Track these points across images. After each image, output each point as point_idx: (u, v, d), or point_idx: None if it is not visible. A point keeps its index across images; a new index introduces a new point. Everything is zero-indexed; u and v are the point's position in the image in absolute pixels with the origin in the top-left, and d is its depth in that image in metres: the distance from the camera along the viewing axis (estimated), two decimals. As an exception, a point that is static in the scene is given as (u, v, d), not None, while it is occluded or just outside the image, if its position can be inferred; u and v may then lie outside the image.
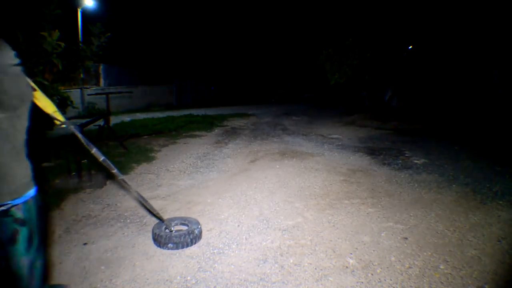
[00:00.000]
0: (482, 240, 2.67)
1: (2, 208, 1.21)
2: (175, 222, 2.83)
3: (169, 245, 2.51)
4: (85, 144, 1.94)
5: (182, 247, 2.52)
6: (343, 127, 9.27)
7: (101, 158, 2.03)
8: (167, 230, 2.62)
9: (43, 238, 1.37)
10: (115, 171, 2.15)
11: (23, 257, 1.26)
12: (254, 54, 22.88)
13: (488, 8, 10.48)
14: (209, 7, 21.02)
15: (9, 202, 1.22)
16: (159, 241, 2.55)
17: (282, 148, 6.25)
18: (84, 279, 2.19)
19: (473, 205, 3.42)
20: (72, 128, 1.85)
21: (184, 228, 2.75)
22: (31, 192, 1.31)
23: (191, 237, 2.58)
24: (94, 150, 1.98)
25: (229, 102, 19.90)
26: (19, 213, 1.25)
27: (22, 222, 1.25)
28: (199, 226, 2.71)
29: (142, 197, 2.44)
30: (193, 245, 2.58)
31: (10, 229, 1.24)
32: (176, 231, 2.65)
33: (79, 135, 1.89)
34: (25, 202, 1.27)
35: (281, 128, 9.03)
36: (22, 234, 1.25)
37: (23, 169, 1.28)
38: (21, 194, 1.25)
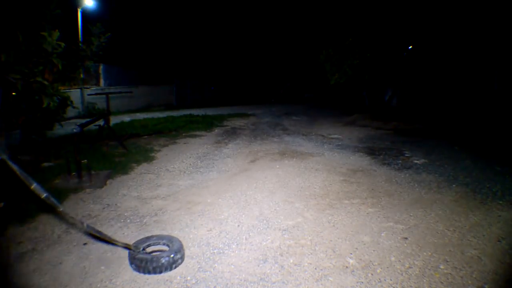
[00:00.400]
0: (482, 240, 2.67)
1: None
2: (162, 241, 2.51)
3: (132, 265, 2.29)
4: (23, 178, 1.69)
5: (143, 273, 2.24)
6: (343, 127, 9.27)
7: (43, 195, 1.78)
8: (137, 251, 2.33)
9: None
10: (61, 209, 1.96)
11: None
12: (254, 54, 22.88)
13: (488, 8, 10.48)
14: (209, 7, 21.02)
15: None
16: (129, 257, 2.34)
17: (282, 148, 6.25)
18: (84, 279, 2.19)
19: (473, 205, 3.42)
20: (5, 158, 1.62)
21: (165, 248, 2.45)
22: None
23: (153, 266, 2.23)
24: (34, 186, 1.75)
25: (229, 102, 19.90)
26: None
27: None
28: (172, 256, 2.28)
29: (96, 229, 2.16)
30: (162, 273, 2.25)
31: None
32: (146, 253, 2.36)
33: (16, 169, 1.64)
34: None
35: (281, 128, 9.03)
36: None
37: None
38: None
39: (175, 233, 2.83)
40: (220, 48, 22.03)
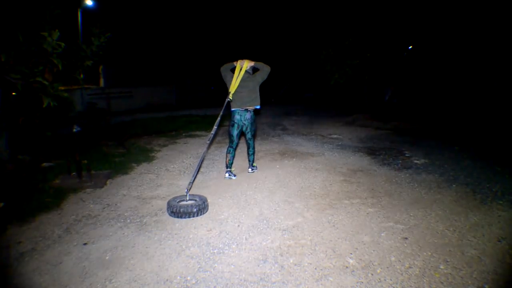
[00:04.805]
0: (482, 240, 2.67)
1: None
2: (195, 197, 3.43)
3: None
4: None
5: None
6: (343, 127, 9.26)
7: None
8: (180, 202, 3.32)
9: None
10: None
11: None
12: (254, 54, 22.91)
13: (488, 8, 10.48)
14: (209, 7, 21.03)
15: None
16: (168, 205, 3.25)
17: (282, 148, 6.25)
18: (84, 279, 2.19)
19: (473, 205, 3.42)
20: None
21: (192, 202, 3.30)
22: None
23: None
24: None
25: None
26: None
27: None
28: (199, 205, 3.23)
29: None
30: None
31: None
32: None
33: None
34: None
35: (281, 128, 9.02)
36: None
37: None
38: None
39: (174, 233, 2.84)
40: (220, 48, 22.04)
